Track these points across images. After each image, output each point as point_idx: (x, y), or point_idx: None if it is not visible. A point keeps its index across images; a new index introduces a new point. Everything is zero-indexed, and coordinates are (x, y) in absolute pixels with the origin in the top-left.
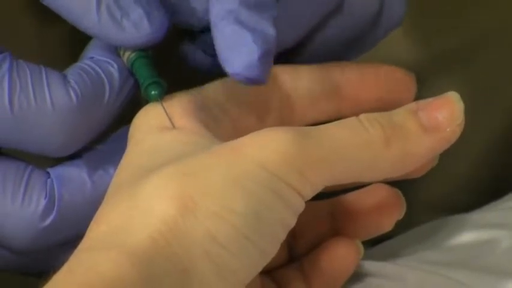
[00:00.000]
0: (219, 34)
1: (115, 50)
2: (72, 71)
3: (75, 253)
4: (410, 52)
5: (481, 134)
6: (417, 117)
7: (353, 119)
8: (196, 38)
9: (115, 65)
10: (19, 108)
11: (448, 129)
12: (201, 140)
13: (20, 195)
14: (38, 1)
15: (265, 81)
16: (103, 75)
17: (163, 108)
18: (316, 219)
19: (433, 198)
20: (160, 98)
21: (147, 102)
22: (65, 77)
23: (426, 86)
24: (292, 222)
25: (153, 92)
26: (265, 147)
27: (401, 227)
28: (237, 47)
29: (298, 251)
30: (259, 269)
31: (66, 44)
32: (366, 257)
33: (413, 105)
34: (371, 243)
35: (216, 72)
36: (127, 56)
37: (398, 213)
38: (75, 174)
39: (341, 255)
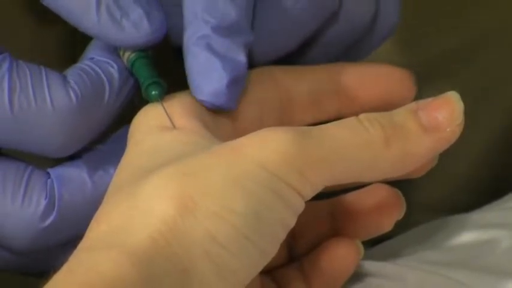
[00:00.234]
0: (190, 59)
1: (115, 51)
2: (72, 72)
3: (75, 253)
4: (411, 52)
5: (481, 134)
6: (417, 117)
7: (353, 118)
8: None
9: (115, 66)
10: (19, 108)
11: (448, 129)
12: (201, 140)
13: (20, 196)
14: (37, 2)
15: (234, 107)
16: (103, 76)
17: (164, 108)
18: (316, 220)
19: (433, 198)
20: (161, 98)
21: (146, 102)
22: (64, 78)
23: (426, 86)
24: (292, 222)
25: (153, 92)
26: (265, 147)
27: (401, 227)
28: (206, 73)
29: (298, 251)
30: (259, 269)
31: (66, 44)
32: (366, 257)
33: (413, 105)
34: (371, 243)
35: None
36: (127, 56)
37: (398, 213)
38: (75, 175)
39: (341, 255)
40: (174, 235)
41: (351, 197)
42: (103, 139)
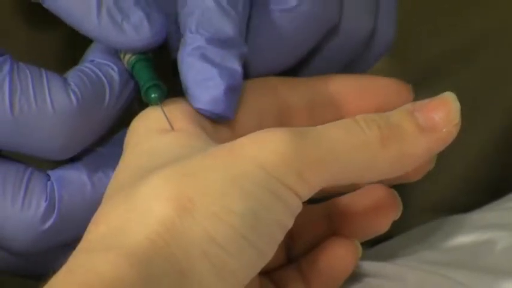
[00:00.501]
0: (186, 69)
1: (115, 53)
2: (72, 74)
3: (74, 254)
4: (410, 52)
5: (480, 134)
6: (414, 118)
7: (350, 119)
8: None
9: (115, 68)
10: (20, 110)
11: (444, 130)
12: (199, 142)
13: (20, 198)
14: (37, 5)
15: (231, 116)
16: (103, 78)
17: (163, 110)
18: (313, 221)
19: (433, 199)
20: (160, 100)
21: (146, 106)
22: (65, 80)
23: (426, 86)
24: (289, 222)
25: (153, 95)
26: (263, 148)
27: (400, 227)
28: (203, 82)
29: (296, 252)
30: (258, 270)
31: (67, 47)
32: (366, 258)
33: (409, 106)
34: (371, 244)
35: None
36: (127, 58)
37: (394, 213)
38: (75, 177)
39: (339, 255)
40: (172, 236)
41: (347, 198)
42: (103, 141)
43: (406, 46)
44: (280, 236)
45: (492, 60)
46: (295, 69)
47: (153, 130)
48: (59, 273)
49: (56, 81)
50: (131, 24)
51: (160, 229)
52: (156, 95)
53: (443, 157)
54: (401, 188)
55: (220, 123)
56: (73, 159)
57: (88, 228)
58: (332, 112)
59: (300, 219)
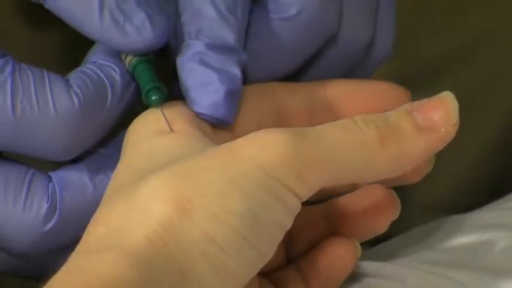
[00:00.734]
0: (186, 74)
1: (117, 55)
2: (74, 76)
3: (74, 255)
4: (410, 52)
5: (480, 134)
6: (412, 118)
7: (349, 120)
8: None
9: (117, 70)
10: (21, 112)
11: (443, 129)
12: (198, 144)
13: (22, 199)
14: (38, 6)
15: (231, 121)
16: (105, 80)
17: (163, 112)
18: (312, 222)
19: (433, 199)
20: (160, 103)
21: (148, 107)
22: (67, 82)
23: (426, 86)
24: (289, 223)
25: (153, 97)
26: (262, 148)
27: (400, 227)
28: (203, 87)
29: (296, 252)
30: (257, 270)
31: (68, 48)
32: (366, 258)
33: (408, 106)
34: (371, 244)
35: None
36: (129, 60)
37: (393, 213)
38: (76, 178)
39: (339, 255)
40: (171, 236)
41: (346, 198)
42: (105, 143)
43: (406, 46)
44: (279, 236)
45: (492, 60)
46: (293, 78)
47: (152, 132)
48: (58, 273)
49: (58, 82)
50: (133, 26)
51: (159, 229)
52: (157, 97)
53: (443, 157)
54: (401, 188)
55: (220, 127)
56: (75, 161)
57: (87, 229)
58: (331, 117)
59: (299, 220)
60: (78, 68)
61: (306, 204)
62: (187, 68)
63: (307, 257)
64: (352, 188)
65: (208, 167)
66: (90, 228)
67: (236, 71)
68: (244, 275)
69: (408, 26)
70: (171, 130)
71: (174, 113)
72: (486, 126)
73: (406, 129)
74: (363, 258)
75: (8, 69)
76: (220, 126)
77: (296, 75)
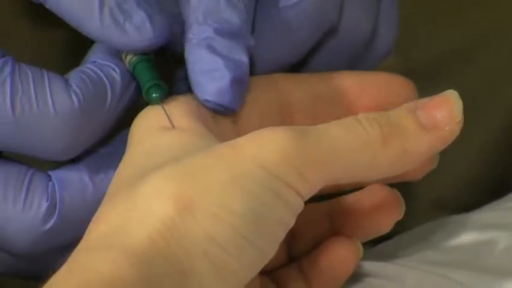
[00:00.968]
0: (192, 59)
1: (117, 54)
2: (74, 75)
3: (75, 253)
4: (411, 52)
5: (481, 133)
6: (415, 116)
7: (351, 118)
8: None
9: (117, 69)
10: (21, 111)
11: (446, 128)
12: (201, 140)
13: (22, 199)
14: (39, 5)
15: (236, 108)
16: (105, 80)
17: (164, 110)
18: (315, 221)
19: (433, 199)
20: (161, 100)
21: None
22: (67, 81)
23: (426, 86)
24: (291, 222)
25: (154, 95)
26: (264, 146)
27: (401, 227)
28: (209, 73)
29: (298, 251)
30: (259, 269)
31: (69, 48)
32: (367, 257)
33: (411, 104)
34: (372, 243)
35: None
36: (129, 59)
37: (397, 214)
38: (76, 177)
39: (340, 255)
40: (173, 235)
41: (349, 198)
42: (104, 142)
43: (406, 46)
44: (281, 235)
45: (492, 60)
46: (295, 71)
47: (155, 128)
48: (59, 272)
49: (58, 82)
50: (133, 25)
51: (161, 228)
52: (157, 95)
53: (443, 157)
54: (401, 188)
55: (222, 119)
56: (74, 160)
57: (89, 227)
58: (335, 108)
59: (301, 218)
60: (78, 68)
61: (309, 200)
62: (194, 54)
63: (309, 257)
64: (356, 184)
65: (210, 166)
66: (91, 226)
67: (243, 58)
68: (245, 274)
69: (409, 26)
70: (173, 127)
71: (176, 109)
72: (486, 126)
73: (409, 128)
74: (364, 257)
75: (8, 69)
76: (225, 114)
77: (298, 68)
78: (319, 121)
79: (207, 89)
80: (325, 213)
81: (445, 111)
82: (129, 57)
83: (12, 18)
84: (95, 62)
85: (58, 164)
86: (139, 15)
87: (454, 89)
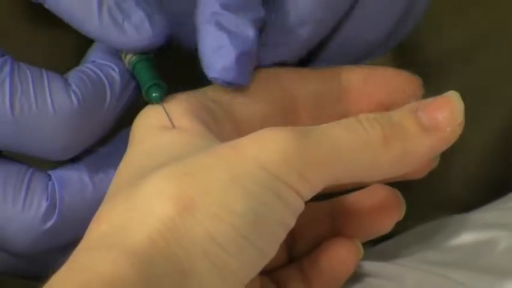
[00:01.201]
0: (201, 38)
1: (116, 54)
2: (73, 75)
3: (75, 253)
4: (411, 52)
5: (481, 134)
6: (417, 117)
7: (352, 119)
8: None
9: (116, 69)
10: (20, 111)
11: (448, 129)
12: (201, 140)
13: (21, 198)
14: (38, 5)
15: (245, 83)
16: (104, 79)
17: (165, 109)
18: (315, 221)
19: (433, 199)
20: (161, 99)
21: (146, 104)
22: (66, 81)
23: (426, 86)
24: (291, 222)
25: (154, 94)
26: (265, 147)
27: (401, 227)
28: (215, 50)
29: (298, 251)
30: (259, 269)
31: (68, 47)
32: (367, 257)
33: (413, 105)
34: (371, 243)
35: None
36: (128, 58)
37: (398, 214)
38: (76, 177)
39: (341, 256)
40: (173, 235)
41: (350, 198)
42: (104, 142)
43: (406, 46)
44: (282, 236)
45: (492, 60)
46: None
47: (155, 128)
48: (59, 272)
49: (57, 81)
50: (132, 24)
51: (161, 228)
52: (157, 94)
53: (443, 157)
54: (401, 188)
55: (223, 117)
56: (74, 160)
57: (89, 227)
58: (339, 103)
59: (302, 218)
60: (77, 68)
61: (309, 200)
62: (202, 31)
63: (309, 257)
64: (357, 184)
65: (211, 166)
66: (92, 225)
67: (250, 32)
68: (246, 274)
69: None
70: (173, 126)
71: (177, 108)
72: (486, 126)
73: (410, 129)
74: (364, 257)
75: (7, 68)
76: (236, 88)
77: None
78: (323, 117)
79: (213, 66)
80: (326, 213)
81: (447, 112)
82: (128, 56)
83: (11, 18)
84: (94, 62)
85: (58, 164)
86: (138, 15)
87: (454, 89)
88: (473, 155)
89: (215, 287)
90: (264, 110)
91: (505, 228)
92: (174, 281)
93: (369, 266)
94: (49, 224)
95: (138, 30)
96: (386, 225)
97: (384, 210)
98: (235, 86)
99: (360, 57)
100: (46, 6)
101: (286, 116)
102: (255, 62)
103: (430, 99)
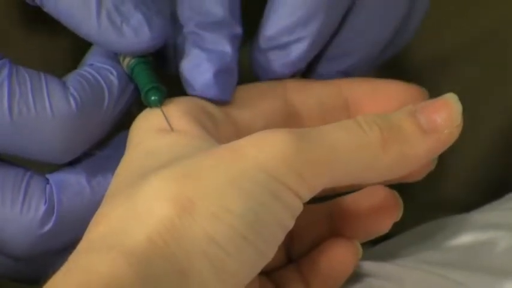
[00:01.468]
0: (180, 57)
1: (115, 57)
2: (71, 78)
3: (74, 254)
4: (411, 52)
5: (481, 134)
6: (415, 119)
7: (351, 120)
8: None
9: (114, 72)
10: (18, 114)
11: (446, 131)
12: (200, 142)
13: (19, 201)
14: (37, 9)
15: (227, 98)
16: (102, 82)
17: (163, 112)
18: (314, 221)
19: (433, 199)
20: (160, 103)
21: (142, 108)
22: (64, 84)
23: (426, 86)
24: (290, 223)
25: (152, 98)
26: (264, 148)
27: (401, 227)
28: (194, 68)
29: (296, 252)
30: (258, 270)
31: (66, 50)
32: (366, 257)
33: (411, 107)
34: (371, 243)
35: None
36: (127, 61)
37: (395, 214)
38: (74, 180)
39: (340, 256)
40: (172, 236)
41: (348, 198)
42: (102, 145)
43: (408, 45)
44: (280, 237)
45: (492, 59)
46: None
47: (154, 130)
48: (58, 273)
49: (55, 85)
50: (131, 27)
51: (160, 229)
52: (156, 97)
53: (443, 157)
54: (401, 188)
55: (224, 124)
56: (72, 163)
57: (88, 228)
58: (344, 116)
59: (300, 219)
60: (75, 71)
61: (307, 203)
62: (180, 51)
63: (307, 257)
64: (356, 186)
65: (210, 167)
66: (91, 227)
67: (227, 48)
68: (245, 275)
69: None
70: (172, 129)
71: (175, 111)
72: (486, 126)
73: (409, 131)
74: (363, 257)
75: (5, 71)
76: (220, 104)
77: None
78: None
79: (194, 84)
80: (324, 214)
81: (445, 114)
82: (127, 59)
83: (8, 20)
84: (93, 65)
85: (56, 167)
86: (137, 18)
87: (454, 89)
88: (473, 155)
89: (214, 286)
90: (266, 119)
91: (505, 228)
92: (173, 280)
93: (369, 266)
94: (47, 227)
95: (137, 33)
96: (385, 225)
97: (381, 211)
98: (218, 102)
99: (358, 67)
100: (45, 9)
101: (289, 126)
102: (236, 78)
103: (428, 101)
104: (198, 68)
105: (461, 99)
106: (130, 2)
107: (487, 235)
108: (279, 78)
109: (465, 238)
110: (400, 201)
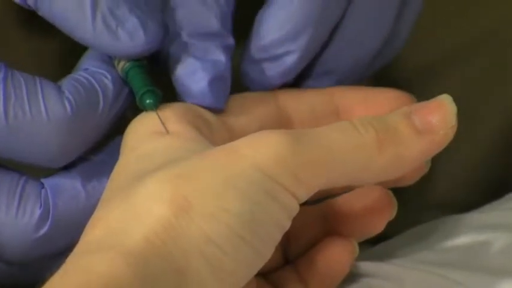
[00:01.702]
0: (173, 66)
1: (109, 61)
2: (66, 82)
3: (71, 256)
4: (411, 52)
5: (481, 134)
6: (410, 121)
7: (347, 122)
8: None
9: (109, 76)
10: (14, 118)
11: (441, 132)
12: (196, 145)
13: (15, 206)
14: (32, 13)
15: (221, 106)
16: (97, 86)
17: (158, 115)
18: (309, 222)
19: (432, 199)
20: (155, 106)
21: (137, 113)
22: (59, 88)
23: (426, 86)
24: (287, 224)
25: (147, 101)
26: (260, 149)
27: (399, 227)
28: (188, 76)
29: (293, 253)
30: (255, 271)
31: (61, 55)
32: (365, 257)
33: (406, 109)
34: (370, 243)
35: None
36: (122, 65)
37: (390, 213)
38: (69, 185)
39: (336, 254)
40: (170, 235)
41: (343, 198)
42: (97, 150)
43: (406, 45)
44: (277, 237)
45: (492, 60)
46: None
47: (149, 133)
48: (56, 274)
49: (50, 89)
50: (126, 31)
51: (158, 229)
52: (151, 101)
53: (442, 157)
54: (401, 188)
55: (219, 129)
56: (67, 167)
57: (85, 231)
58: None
59: (296, 220)
60: (70, 75)
61: (303, 204)
62: (173, 59)
63: (304, 257)
64: (350, 187)
65: (206, 167)
66: (87, 230)
67: (220, 57)
68: (242, 274)
69: None
70: (167, 132)
71: (170, 114)
72: (486, 126)
73: (404, 132)
74: (362, 257)
75: (0, 75)
76: (214, 112)
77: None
78: None
79: (189, 92)
80: (319, 214)
81: (440, 115)
82: (121, 63)
83: (4, 25)
84: (87, 69)
85: (51, 172)
86: (132, 21)
87: (453, 89)
88: (473, 155)
89: (211, 286)
90: (260, 124)
91: (504, 228)
92: (170, 279)
93: (367, 266)
94: (42, 231)
95: (132, 36)
96: (379, 224)
97: (375, 210)
98: (213, 110)
99: (348, 78)
100: (39, 13)
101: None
102: (229, 86)
103: (423, 103)
104: (192, 76)
105: (461, 100)
106: (125, 6)
107: (486, 235)
108: (268, 89)
109: (464, 238)
110: (394, 200)
